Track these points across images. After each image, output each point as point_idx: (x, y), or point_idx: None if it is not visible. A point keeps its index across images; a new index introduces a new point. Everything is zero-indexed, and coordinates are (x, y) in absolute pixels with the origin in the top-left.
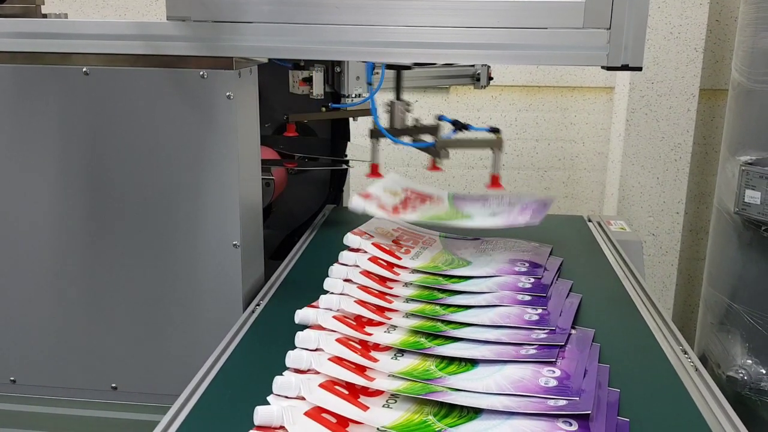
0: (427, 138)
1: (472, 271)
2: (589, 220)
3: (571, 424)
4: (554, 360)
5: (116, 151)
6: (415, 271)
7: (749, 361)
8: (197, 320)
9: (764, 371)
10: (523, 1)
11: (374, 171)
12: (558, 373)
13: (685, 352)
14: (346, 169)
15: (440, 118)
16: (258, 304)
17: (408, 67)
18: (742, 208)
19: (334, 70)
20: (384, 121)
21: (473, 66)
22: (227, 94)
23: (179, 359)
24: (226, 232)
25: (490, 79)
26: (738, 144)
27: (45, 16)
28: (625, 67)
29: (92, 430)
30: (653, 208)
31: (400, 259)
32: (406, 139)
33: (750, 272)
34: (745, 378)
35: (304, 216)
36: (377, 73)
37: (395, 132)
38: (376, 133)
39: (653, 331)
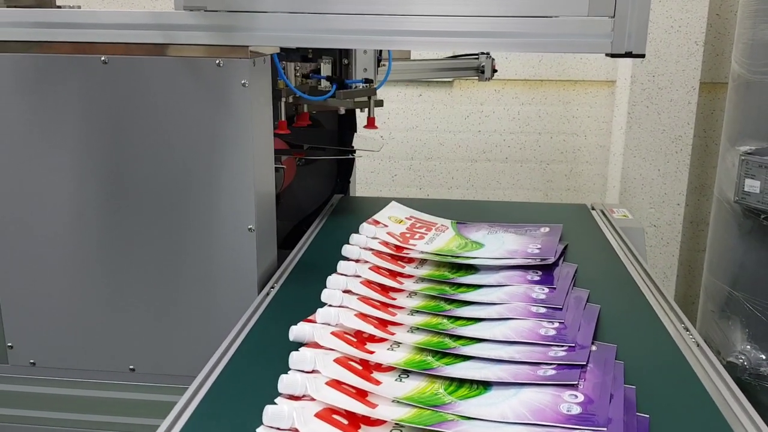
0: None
1: (485, 253)
2: (593, 208)
3: None
4: (576, 383)
5: (134, 138)
6: (420, 279)
7: (749, 347)
8: (213, 303)
9: (764, 357)
10: None
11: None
12: (581, 398)
13: (692, 336)
14: (353, 159)
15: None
16: (272, 287)
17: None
18: (742, 197)
19: (341, 62)
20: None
21: (477, 58)
22: (242, 82)
23: (195, 341)
24: (241, 217)
25: (495, 71)
26: (738, 134)
27: (59, 7)
28: (628, 54)
29: (110, 411)
30: (654, 199)
31: (403, 267)
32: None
33: (750, 260)
34: (745, 364)
35: (312, 206)
36: (384, 64)
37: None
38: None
39: (658, 313)
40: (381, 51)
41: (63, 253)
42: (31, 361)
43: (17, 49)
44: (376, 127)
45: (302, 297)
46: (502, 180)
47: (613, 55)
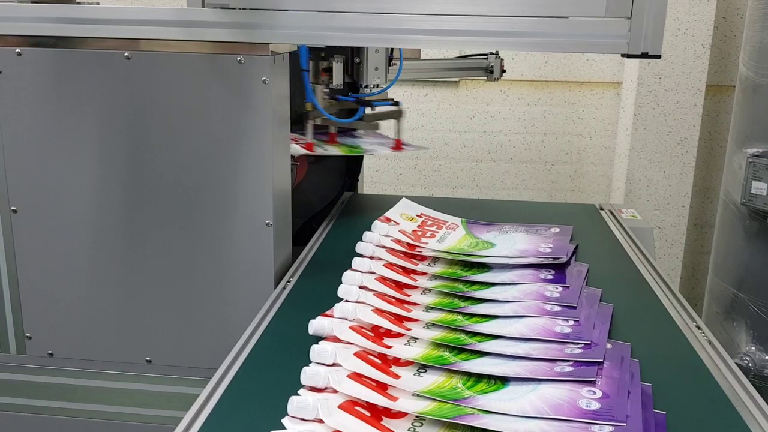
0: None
1: (497, 252)
2: (601, 209)
3: None
4: (594, 379)
5: (156, 133)
6: (433, 277)
7: (753, 348)
8: (230, 296)
9: None
10: None
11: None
12: (599, 394)
13: (704, 334)
14: (362, 157)
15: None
16: (288, 281)
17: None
18: (748, 199)
19: (353, 61)
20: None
21: (486, 59)
22: (263, 78)
23: (212, 333)
24: (259, 212)
25: (503, 71)
26: (745, 137)
27: (78, 2)
28: (644, 55)
29: (127, 402)
30: (659, 201)
31: (416, 264)
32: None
33: (756, 262)
34: (750, 365)
35: (321, 204)
36: (395, 63)
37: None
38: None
39: (669, 311)
40: (392, 50)
41: (82, 245)
42: (49, 351)
43: (42, 44)
44: (402, 149)
45: (318, 291)
46: (507, 180)
47: (629, 56)
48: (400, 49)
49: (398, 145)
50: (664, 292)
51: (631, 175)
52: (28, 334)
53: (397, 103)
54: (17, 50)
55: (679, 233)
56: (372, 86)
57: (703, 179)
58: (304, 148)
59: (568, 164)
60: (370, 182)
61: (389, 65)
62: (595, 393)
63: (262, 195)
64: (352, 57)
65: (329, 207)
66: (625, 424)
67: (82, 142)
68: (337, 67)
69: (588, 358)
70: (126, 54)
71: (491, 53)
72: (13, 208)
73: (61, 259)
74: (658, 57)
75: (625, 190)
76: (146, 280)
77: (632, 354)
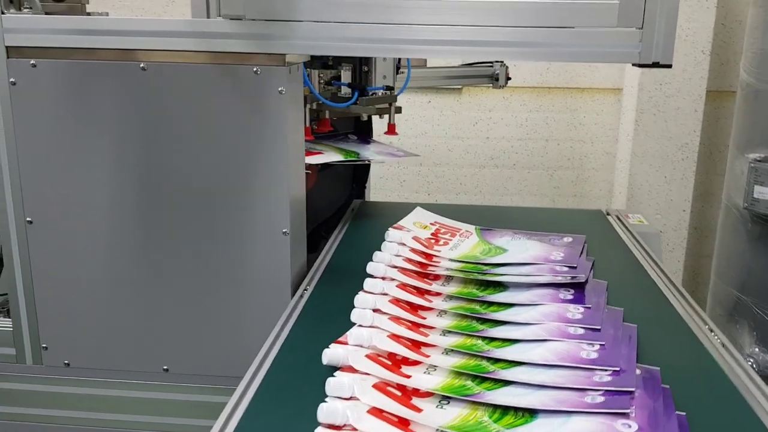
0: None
1: (509, 257)
2: (608, 214)
3: None
4: (628, 411)
5: (172, 144)
6: (448, 297)
7: (757, 350)
8: (247, 304)
9: None
10: (561, 2)
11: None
12: (634, 427)
13: (717, 337)
14: (369, 164)
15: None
16: (305, 289)
17: None
18: (751, 204)
19: (361, 69)
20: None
21: (492, 66)
22: (279, 89)
23: (230, 342)
24: (276, 221)
25: (508, 79)
26: (746, 142)
27: (89, 14)
28: (655, 65)
29: (144, 411)
30: (660, 205)
31: (430, 284)
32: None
33: (758, 265)
34: (754, 366)
35: (329, 211)
36: (403, 72)
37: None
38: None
39: (685, 319)
40: (400, 59)
41: (99, 254)
42: (66, 361)
43: (57, 56)
44: (396, 134)
45: (335, 300)
46: (510, 186)
47: (640, 65)
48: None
49: (391, 130)
50: (675, 297)
51: (632, 180)
52: (44, 345)
53: (390, 88)
54: (32, 62)
55: (681, 237)
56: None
57: (703, 183)
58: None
59: (570, 170)
60: (373, 189)
61: (396, 73)
62: (630, 426)
63: (279, 204)
64: (360, 65)
65: (337, 215)
66: None
67: (98, 153)
68: (345, 75)
69: (619, 387)
70: (142, 65)
71: (496, 61)
72: (28, 219)
73: (76, 270)
74: (669, 66)
75: (627, 194)
76: (163, 289)
77: (656, 369)
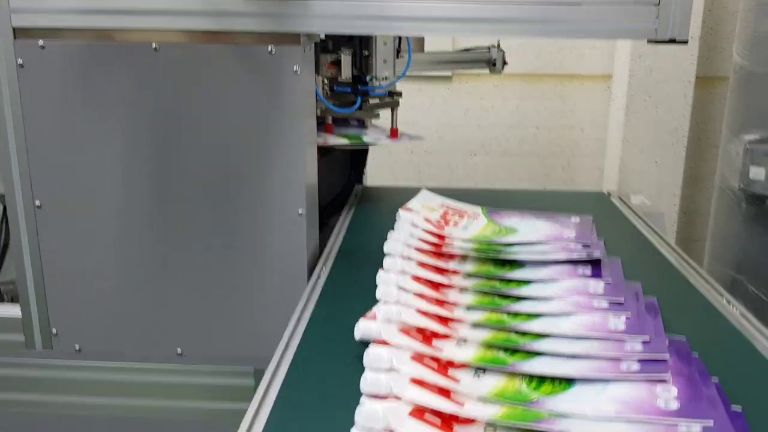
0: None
1: (521, 237)
2: (609, 195)
3: None
4: (667, 378)
5: (185, 125)
6: (467, 276)
7: None
8: (263, 286)
9: None
10: None
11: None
12: (674, 391)
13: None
14: (367, 149)
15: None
16: (321, 271)
17: None
18: (747, 185)
19: (361, 54)
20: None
21: (489, 51)
22: (294, 68)
23: (246, 324)
24: (292, 202)
25: (505, 63)
26: (741, 125)
27: None
28: (672, 41)
29: (158, 395)
30: (651, 190)
31: (447, 262)
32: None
33: (753, 245)
34: None
35: (329, 196)
36: (403, 56)
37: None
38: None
39: (702, 293)
40: (399, 43)
41: (110, 238)
42: (77, 346)
43: (66, 36)
44: (398, 138)
45: (352, 281)
46: (501, 173)
47: (656, 42)
48: (408, 41)
49: (394, 134)
50: (688, 271)
51: (623, 165)
52: (54, 330)
53: (393, 94)
54: (40, 43)
55: (671, 221)
56: (381, 79)
57: (692, 168)
58: None
59: (561, 157)
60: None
61: (396, 57)
62: (670, 391)
63: (296, 185)
64: (360, 50)
65: (336, 200)
66: (711, 421)
67: (108, 136)
68: (346, 60)
69: (653, 355)
70: (154, 45)
71: (493, 46)
72: (37, 203)
73: (87, 254)
74: (686, 42)
75: (617, 180)
76: (176, 271)
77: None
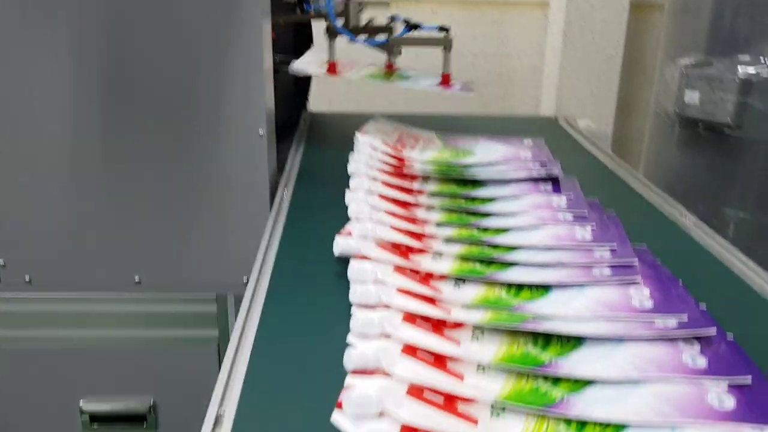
0: (381, 37)
1: (479, 159)
2: (557, 119)
3: (693, 344)
4: (638, 280)
5: (137, 34)
6: (431, 195)
7: None
8: (224, 209)
9: None
10: None
11: (331, 69)
12: (647, 291)
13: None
14: (310, 76)
15: (393, 18)
16: (284, 191)
17: None
18: (681, 109)
19: None
20: (339, 21)
21: None
22: None
23: (208, 248)
24: (253, 122)
25: None
26: (677, 49)
27: None
28: None
29: (116, 325)
30: (588, 117)
31: (411, 182)
32: (361, 37)
33: (687, 168)
34: None
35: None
36: None
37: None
38: (332, 33)
39: (655, 205)
40: None
41: (59, 160)
42: (27, 278)
43: None
44: (450, 86)
45: (317, 201)
46: (440, 102)
47: None
48: None
49: (446, 80)
50: (644, 186)
51: (560, 93)
52: (1, 261)
53: (446, 29)
54: None
55: (607, 147)
56: None
57: (626, 97)
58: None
59: (498, 86)
60: None
61: None
62: (643, 292)
63: (257, 104)
64: None
65: (287, 123)
66: (686, 315)
67: (53, 52)
68: None
69: (622, 260)
70: None
71: None
72: None
73: (34, 178)
74: None
75: (554, 108)
76: (132, 194)
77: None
